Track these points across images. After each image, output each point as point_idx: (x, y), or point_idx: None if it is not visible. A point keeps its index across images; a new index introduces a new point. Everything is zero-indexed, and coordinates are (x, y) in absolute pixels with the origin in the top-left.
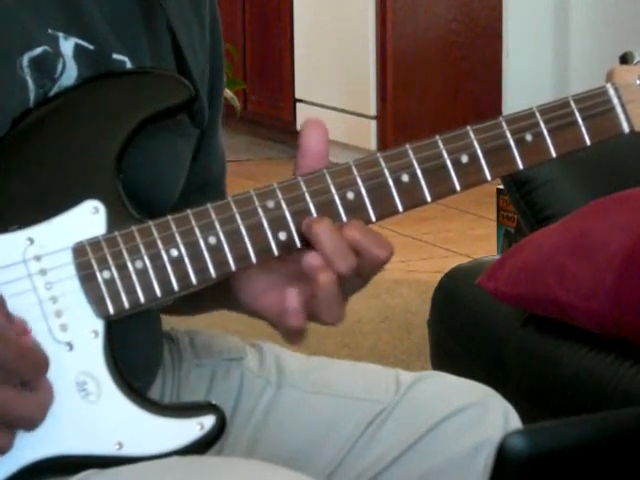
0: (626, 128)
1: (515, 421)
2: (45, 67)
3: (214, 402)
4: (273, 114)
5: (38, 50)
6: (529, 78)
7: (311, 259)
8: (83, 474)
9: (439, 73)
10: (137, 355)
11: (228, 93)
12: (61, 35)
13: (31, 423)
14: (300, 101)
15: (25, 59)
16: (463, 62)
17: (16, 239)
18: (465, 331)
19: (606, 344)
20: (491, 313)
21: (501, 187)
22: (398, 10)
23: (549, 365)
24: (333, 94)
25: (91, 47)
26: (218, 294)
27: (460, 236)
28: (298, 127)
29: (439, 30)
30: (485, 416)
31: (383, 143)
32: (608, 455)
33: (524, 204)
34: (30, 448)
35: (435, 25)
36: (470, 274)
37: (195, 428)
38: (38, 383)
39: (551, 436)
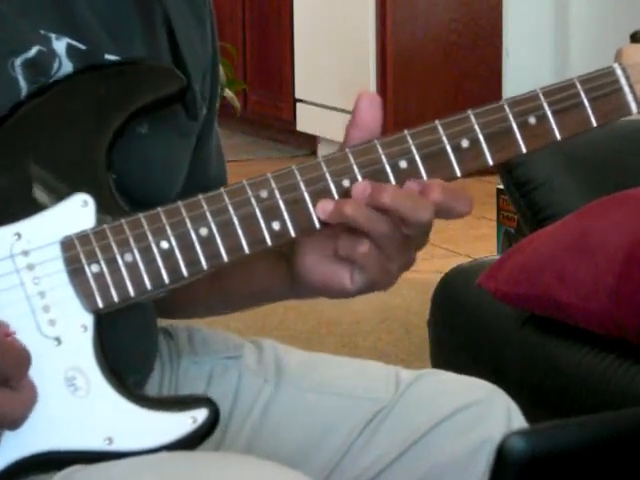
0: (634, 108)
1: (518, 418)
2: (41, 65)
3: (207, 395)
4: (273, 114)
5: (33, 51)
6: (529, 78)
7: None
8: (67, 470)
9: (439, 73)
10: (130, 348)
11: (228, 93)
12: (53, 36)
13: (12, 423)
14: (300, 101)
15: (18, 60)
16: (463, 62)
17: (3, 234)
18: (465, 331)
19: (606, 344)
20: (491, 313)
21: (501, 187)
22: (398, 10)
23: (549, 365)
24: (333, 94)
25: (83, 47)
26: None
27: (460, 236)
28: (298, 127)
29: (439, 30)
30: (489, 414)
31: None
32: (608, 455)
33: (524, 204)
34: (19, 444)
35: (435, 25)
36: (470, 274)
37: (187, 422)
38: (20, 382)
39: (551, 436)
